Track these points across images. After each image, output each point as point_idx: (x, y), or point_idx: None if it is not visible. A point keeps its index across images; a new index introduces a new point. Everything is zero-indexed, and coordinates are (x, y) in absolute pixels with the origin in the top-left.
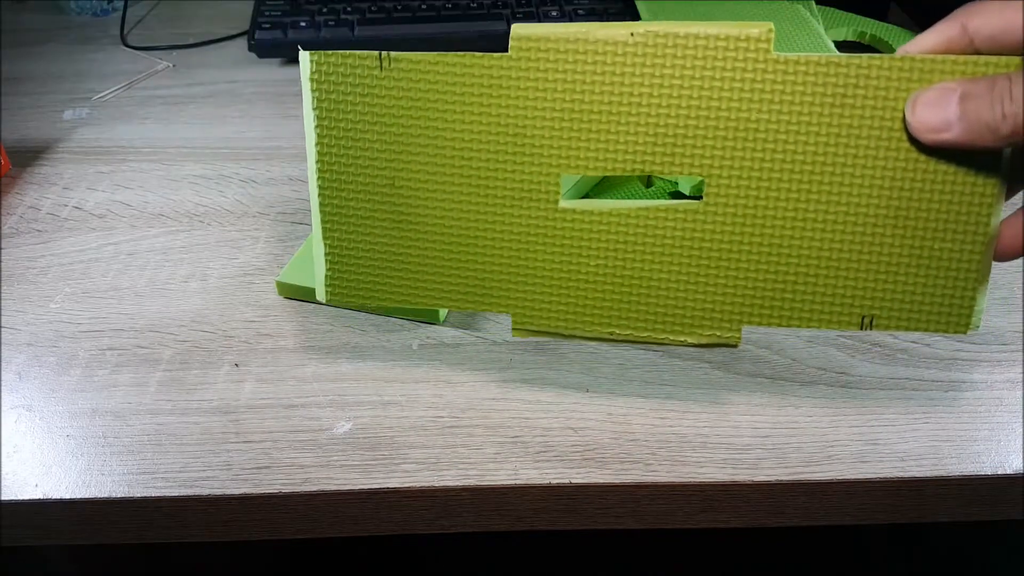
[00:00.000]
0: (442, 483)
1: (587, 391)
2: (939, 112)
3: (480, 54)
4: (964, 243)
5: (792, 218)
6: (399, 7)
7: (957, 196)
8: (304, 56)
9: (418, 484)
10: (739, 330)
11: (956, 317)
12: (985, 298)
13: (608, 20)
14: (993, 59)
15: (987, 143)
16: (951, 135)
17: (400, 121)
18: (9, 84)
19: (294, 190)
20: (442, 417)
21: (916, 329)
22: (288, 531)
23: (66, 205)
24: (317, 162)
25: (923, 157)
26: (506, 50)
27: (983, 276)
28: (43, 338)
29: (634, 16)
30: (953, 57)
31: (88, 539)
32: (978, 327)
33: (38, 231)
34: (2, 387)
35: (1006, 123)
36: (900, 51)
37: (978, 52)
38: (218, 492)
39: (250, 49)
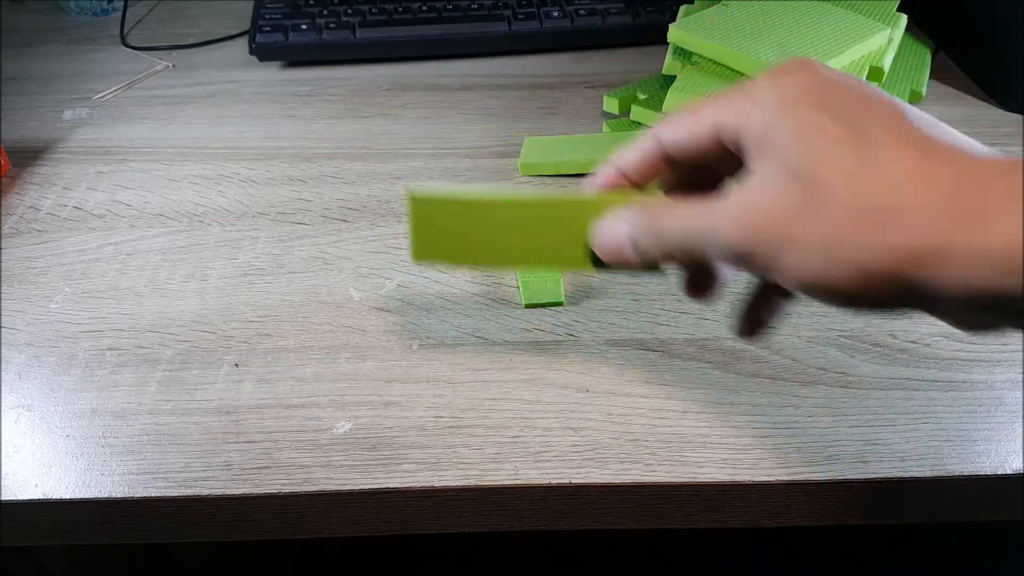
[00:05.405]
0: (442, 483)
1: (587, 391)
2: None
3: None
4: None
5: None
6: (400, 9)
7: None
8: None
9: (418, 484)
10: None
11: None
12: None
13: (608, 20)
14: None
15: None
16: (633, 262)
17: None
18: (9, 84)
19: (294, 190)
20: (442, 417)
21: None
22: (288, 531)
23: (66, 205)
24: None
25: None
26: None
27: None
28: (43, 338)
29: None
30: (612, 194)
31: (88, 539)
32: None
33: (38, 231)
34: (2, 387)
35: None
36: (598, 175)
37: (672, 161)
38: (218, 492)
39: (251, 52)
